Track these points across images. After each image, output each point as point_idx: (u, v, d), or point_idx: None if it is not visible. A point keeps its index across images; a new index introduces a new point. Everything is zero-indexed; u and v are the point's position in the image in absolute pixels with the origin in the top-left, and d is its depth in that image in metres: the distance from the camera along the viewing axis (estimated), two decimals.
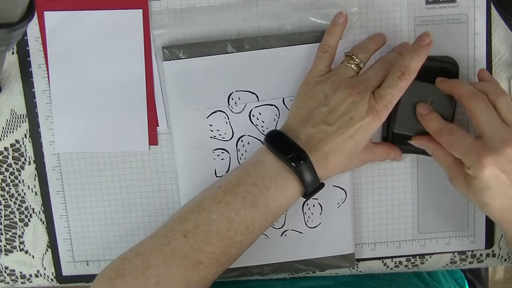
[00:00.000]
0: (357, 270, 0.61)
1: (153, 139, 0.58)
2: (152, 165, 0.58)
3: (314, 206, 0.57)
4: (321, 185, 0.49)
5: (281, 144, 0.48)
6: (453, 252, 0.60)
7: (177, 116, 0.56)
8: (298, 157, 0.47)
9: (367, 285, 0.60)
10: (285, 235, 0.58)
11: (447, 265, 0.61)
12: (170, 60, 0.55)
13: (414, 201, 0.59)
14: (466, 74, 0.57)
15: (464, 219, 0.59)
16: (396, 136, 0.56)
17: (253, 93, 0.55)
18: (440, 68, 0.55)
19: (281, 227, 0.57)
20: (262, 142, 0.55)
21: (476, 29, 0.56)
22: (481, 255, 0.61)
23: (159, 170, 0.58)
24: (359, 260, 0.60)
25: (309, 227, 0.57)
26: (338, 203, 0.57)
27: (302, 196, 0.50)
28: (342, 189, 0.57)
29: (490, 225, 0.59)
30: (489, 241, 0.60)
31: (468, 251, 0.60)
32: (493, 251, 0.60)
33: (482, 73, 0.54)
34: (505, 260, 0.61)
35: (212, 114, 0.56)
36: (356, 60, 0.50)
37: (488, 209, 0.49)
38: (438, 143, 0.50)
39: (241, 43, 0.55)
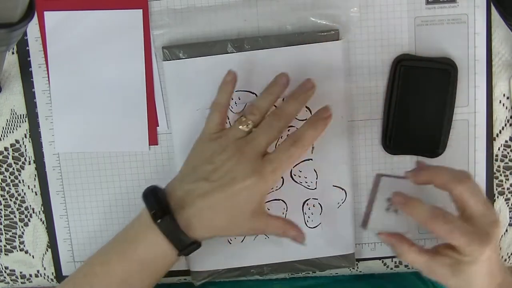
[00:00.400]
0: (357, 270, 0.61)
1: (153, 139, 0.58)
2: (152, 165, 0.58)
3: (314, 206, 0.57)
4: (196, 244, 0.49)
5: (150, 199, 0.48)
6: None
7: (177, 116, 0.56)
8: (159, 214, 0.47)
9: (369, 282, 0.60)
10: None
11: None
12: (170, 60, 0.55)
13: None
14: (466, 75, 0.57)
15: None
16: (395, 138, 0.56)
17: (253, 93, 0.55)
18: (438, 70, 0.55)
19: None
20: None
21: (476, 29, 0.56)
22: None
23: (159, 170, 0.58)
24: (359, 260, 0.60)
25: (309, 227, 0.57)
26: (338, 203, 0.57)
27: (178, 254, 0.49)
28: (342, 189, 0.57)
29: None
30: None
31: None
32: None
33: (420, 164, 0.51)
34: (505, 260, 0.61)
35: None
36: (248, 122, 0.49)
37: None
38: (408, 244, 0.47)
39: (241, 43, 0.55)
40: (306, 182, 0.57)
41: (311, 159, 0.56)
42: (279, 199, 0.57)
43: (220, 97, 0.51)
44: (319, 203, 0.57)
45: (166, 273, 0.50)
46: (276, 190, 0.57)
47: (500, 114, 0.58)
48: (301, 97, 0.50)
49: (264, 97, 0.51)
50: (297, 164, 0.56)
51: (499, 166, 0.59)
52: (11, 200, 0.60)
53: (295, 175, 0.56)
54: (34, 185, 0.59)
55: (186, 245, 0.48)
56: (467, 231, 0.44)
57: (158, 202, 0.48)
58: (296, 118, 0.54)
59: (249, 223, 0.49)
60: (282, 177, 0.56)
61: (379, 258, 0.60)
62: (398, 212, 0.49)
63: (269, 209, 0.56)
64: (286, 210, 0.57)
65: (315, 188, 0.56)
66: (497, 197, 0.59)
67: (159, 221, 0.46)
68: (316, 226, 0.57)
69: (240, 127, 0.49)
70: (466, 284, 0.46)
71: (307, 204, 0.57)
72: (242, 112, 0.51)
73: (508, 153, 0.59)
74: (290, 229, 0.51)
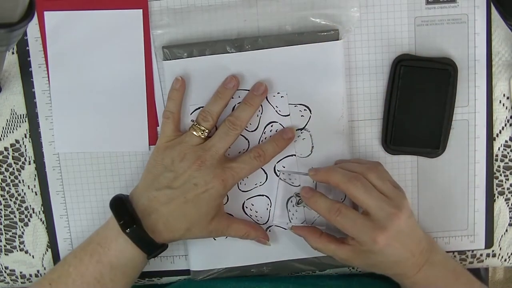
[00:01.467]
0: (357, 270, 0.61)
1: (153, 139, 0.58)
2: None
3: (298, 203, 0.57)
4: (163, 246, 0.53)
5: (118, 209, 0.51)
6: (453, 252, 0.60)
7: None
8: (128, 223, 0.50)
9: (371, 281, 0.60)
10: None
11: None
12: (170, 59, 0.55)
13: (414, 201, 0.59)
14: (466, 75, 0.57)
15: (464, 219, 0.59)
16: (395, 138, 0.56)
17: None
18: (438, 70, 0.55)
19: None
20: (245, 137, 0.56)
21: (476, 29, 0.56)
22: (481, 255, 0.61)
23: None
24: None
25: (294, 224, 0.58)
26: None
27: (148, 258, 0.52)
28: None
29: (490, 225, 0.60)
30: (489, 241, 0.60)
31: (468, 250, 0.60)
32: (493, 251, 0.60)
33: (337, 162, 0.56)
34: (505, 260, 0.61)
35: (196, 111, 0.55)
36: (201, 128, 0.53)
37: (377, 270, 0.53)
38: (317, 235, 0.53)
39: (241, 43, 0.55)
40: (290, 179, 0.56)
41: (294, 155, 0.56)
42: (263, 195, 0.57)
43: (170, 105, 0.54)
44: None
45: (139, 274, 0.54)
46: (261, 185, 0.57)
47: (500, 114, 0.58)
48: (255, 102, 0.54)
49: (215, 101, 0.54)
50: (280, 160, 0.56)
51: (499, 166, 0.59)
52: (11, 200, 0.60)
53: (278, 171, 0.57)
54: (34, 185, 0.59)
55: (154, 249, 0.52)
56: (358, 223, 0.48)
57: (125, 212, 0.51)
58: (280, 114, 0.56)
59: (210, 226, 0.53)
60: (265, 173, 0.57)
61: None
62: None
63: (253, 205, 0.57)
64: (270, 206, 0.57)
65: (299, 185, 0.56)
66: (497, 197, 0.59)
67: (127, 230, 0.50)
68: (302, 222, 0.57)
69: (195, 133, 0.52)
70: (372, 267, 0.52)
71: (291, 201, 0.57)
72: (196, 119, 0.54)
73: (508, 153, 0.59)
74: (252, 230, 0.55)
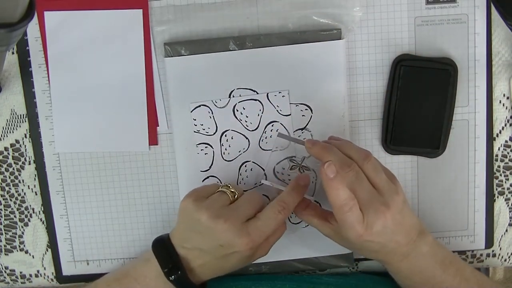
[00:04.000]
0: (356, 270, 0.61)
1: (153, 139, 0.58)
2: (152, 165, 0.58)
3: None
4: (203, 285, 0.52)
5: (162, 253, 0.50)
6: (453, 252, 0.60)
7: (178, 113, 0.56)
8: (173, 270, 0.49)
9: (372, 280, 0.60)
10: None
11: None
12: (171, 56, 0.55)
13: (414, 201, 0.59)
14: (466, 75, 0.57)
15: (464, 219, 0.59)
16: (395, 138, 0.56)
17: (254, 90, 0.55)
18: (438, 70, 0.55)
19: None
20: (245, 136, 0.56)
21: (476, 29, 0.56)
22: (481, 255, 0.61)
23: (159, 170, 0.58)
24: (359, 259, 0.60)
25: (292, 223, 0.57)
26: None
27: None
28: None
29: (490, 225, 0.60)
30: (489, 241, 0.60)
31: (468, 251, 0.60)
32: (493, 251, 0.60)
33: (331, 138, 0.55)
34: (505, 260, 0.61)
35: (196, 109, 0.56)
36: (233, 192, 0.51)
37: (359, 253, 0.53)
38: (304, 205, 0.52)
39: (243, 41, 0.55)
40: (290, 180, 0.56)
41: (295, 156, 0.56)
42: (262, 195, 0.57)
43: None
44: (318, 203, 0.57)
45: None
46: (260, 185, 0.57)
47: (500, 114, 0.58)
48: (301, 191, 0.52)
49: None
50: (281, 161, 0.56)
51: (499, 166, 0.59)
52: (11, 200, 0.60)
53: (278, 172, 0.57)
54: (34, 185, 0.59)
55: None
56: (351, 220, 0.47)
57: (168, 259, 0.50)
58: (281, 114, 0.56)
59: (248, 263, 0.51)
60: (265, 174, 0.57)
61: None
62: (302, 171, 0.54)
63: None
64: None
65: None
66: (497, 197, 0.59)
67: (172, 277, 0.49)
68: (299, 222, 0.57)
69: (225, 191, 0.51)
70: (353, 250, 0.54)
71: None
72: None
73: (508, 153, 0.59)
74: (279, 235, 0.53)
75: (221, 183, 0.57)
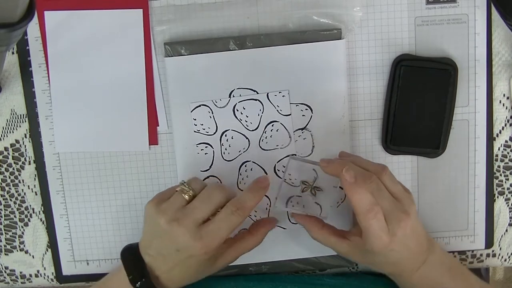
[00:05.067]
0: (357, 270, 0.61)
1: (153, 139, 0.58)
2: (152, 165, 0.58)
3: (297, 203, 0.57)
4: None
5: (129, 261, 0.50)
6: (453, 252, 0.60)
7: (178, 113, 0.56)
8: (137, 278, 0.49)
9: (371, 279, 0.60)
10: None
11: None
12: (172, 56, 0.55)
13: (414, 201, 0.59)
14: (466, 75, 0.57)
15: (464, 219, 0.59)
16: (395, 138, 0.57)
17: (254, 90, 0.55)
18: (438, 70, 0.56)
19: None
20: (245, 136, 0.56)
21: (476, 29, 0.56)
22: (481, 255, 0.61)
23: (159, 170, 0.58)
24: None
25: (292, 223, 0.57)
26: (338, 202, 0.57)
27: None
28: (342, 189, 0.57)
29: (490, 225, 0.60)
30: (489, 241, 0.60)
31: (468, 251, 0.60)
32: (493, 251, 0.60)
33: (342, 154, 0.55)
34: (505, 260, 0.61)
35: (196, 109, 0.56)
36: (190, 191, 0.49)
37: (375, 267, 0.53)
38: (319, 226, 0.52)
39: (243, 41, 0.55)
40: (290, 179, 0.56)
41: (295, 154, 0.56)
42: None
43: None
44: (318, 203, 0.57)
45: None
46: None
47: (500, 114, 0.58)
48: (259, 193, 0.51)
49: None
50: (281, 159, 0.56)
51: (499, 166, 0.59)
52: (11, 200, 0.60)
53: (278, 170, 0.57)
54: (34, 185, 0.59)
55: None
56: (376, 228, 0.47)
57: (133, 266, 0.49)
58: (281, 114, 0.55)
59: (212, 269, 0.51)
60: (265, 173, 0.57)
61: None
62: (316, 195, 0.54)
63: None
64: (269, 205, 0.57)
65: (298, 186, 0.56)
66: (497, 197, 0.59)
67: (138, 285, 0.48)
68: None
69: (183, 194, 0.49)
70: (370, 264, 0.52)
71: (291, 201, 0.57)
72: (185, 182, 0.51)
73: (508, 153, 0.59)
74: (250, 247, 0.52)
75: (221, 183, 0.57)
